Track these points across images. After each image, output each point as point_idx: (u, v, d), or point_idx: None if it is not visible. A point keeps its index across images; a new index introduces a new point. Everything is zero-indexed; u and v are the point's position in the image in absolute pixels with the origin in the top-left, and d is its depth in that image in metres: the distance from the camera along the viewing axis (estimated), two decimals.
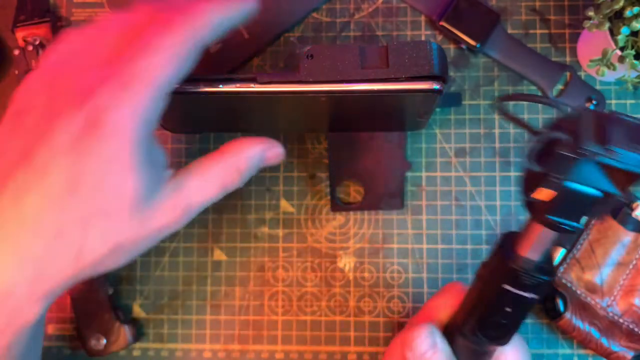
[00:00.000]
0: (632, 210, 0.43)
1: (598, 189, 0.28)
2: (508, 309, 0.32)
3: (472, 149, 0.46)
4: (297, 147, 0.47)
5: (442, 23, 0.45)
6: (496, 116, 0.46)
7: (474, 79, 0.46)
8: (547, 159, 0.28)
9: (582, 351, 0.44)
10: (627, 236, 0.43)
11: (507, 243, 0.32)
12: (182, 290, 0.46)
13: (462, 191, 0.46)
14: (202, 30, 0.31)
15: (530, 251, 0.31)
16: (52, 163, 0.28)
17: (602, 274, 0.43)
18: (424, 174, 0.46)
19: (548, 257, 0.31)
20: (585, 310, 0.43)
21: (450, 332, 0.35)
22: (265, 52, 0.47)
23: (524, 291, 0.31)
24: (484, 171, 0.46)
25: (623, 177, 0.28)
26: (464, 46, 0.46)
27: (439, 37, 0.46)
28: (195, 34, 0.31)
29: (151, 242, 0.31)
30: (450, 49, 0.46)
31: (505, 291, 0.31)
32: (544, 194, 0.28)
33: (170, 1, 0.32)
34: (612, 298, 0.43)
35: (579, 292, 0.43)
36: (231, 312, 0.46)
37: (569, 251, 0.44)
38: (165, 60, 0.30)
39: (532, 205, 0.30)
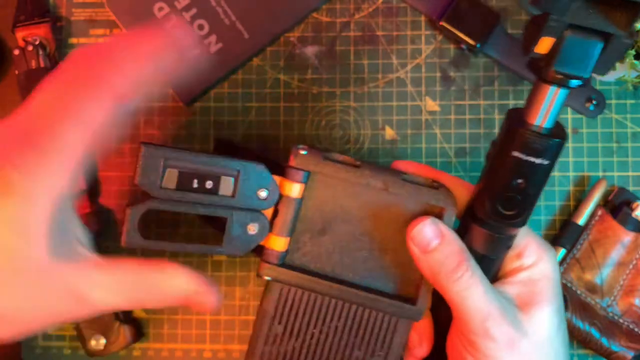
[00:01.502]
0: (632, 210, 0.43)
1: (598, 29, 0.26)
2: (520, 180, 0.30)
3: (472, 149, 0.46)
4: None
5: (442, 23, 0.45)
6: (496, 116, 0.46)
7: (474, 79, 0.46)
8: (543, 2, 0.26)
9: (582, 351, 0.44)
10: (627, 236, 0.43)
11: (515, 114, 0.30)
12: None
13: None
14: (126, 95, 0.29)
15: (539, 117, 0.29)
16: None
17: (602, 274, 0.43)
18: None
19: (557, 124, 0.30)
20: (585, 310, 0.43)
21: (464, 224, 0.34)
22: (265, 52, 0.47)
23: (535, 157, 0.29)
24: None
25: (622, 16, 0.26)
26: (464, 46, 0.46)
27: (439, 37, 0.46)
28: (117, 100, 0.29)
29: (38, 323, 0.29)
30: (450, 49, 0.46)
31: (516, 159, 0.29)
32: (545, 44, 0.27)
33: (92, 58, 0.30)
34: (612, 298, 0.43)
35: (579, 292, 0.43)
36: (231, 312, 0.46)
37: (569, 251, 0.44)
38: (85, 133, 0.28)
39: (536, 64, 0.29)
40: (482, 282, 0.32)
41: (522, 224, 0.32)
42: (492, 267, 0.34)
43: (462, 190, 0.35)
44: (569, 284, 0.43)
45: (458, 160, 0.46)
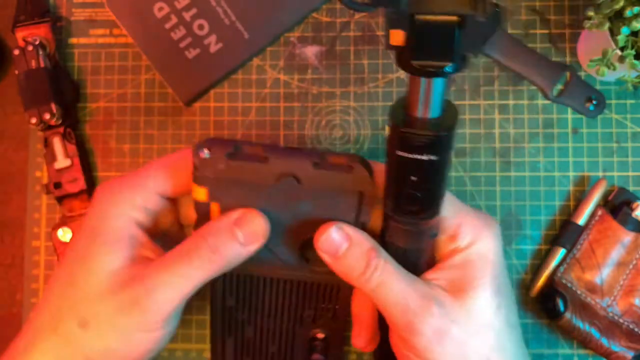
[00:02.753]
0: (632, 210, 0.43)
1: (444, 12, 0.24)
2: (413, 178, 0.28)
3: (472, 149, 0.46)
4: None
5: None
6: (496, 116, 0.46)
7: (474, 79, 0.46)
8: None
9: (582, 351, 0.44)
10: (627, 236, 0.43)
11: (396, 108, 0.28)
12: None
13: (462, 191, 0.46)
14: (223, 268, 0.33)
15: (418, 108, 0.27)
16: None
17: (602, 274, 0.43)
18: None
19: (446, 110, 0.28)
20: (585, 310, 0.43)
21: (384, 219, 0.33)
22: (265, 52, 0.47)
23: (419, 153, 0.27)
24: (484, 171, 0.46)
25: None
26: None
27: None
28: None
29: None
30: None
31: (402, 159, 0.28)
32: (397, 36, 0.25)
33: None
34: (612, 298, 0.43)
35: (579, 292, 0.43)
36: None
37: (569, 251, 0.44)
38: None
39: (399, 57, 0.26)
40: (397, 275, 0.32)
41: (432, 216, 0.30)
42: (418, 257, 0.33)
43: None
44: (569, 284, 0.43)
45: (458, 160, 0.46)
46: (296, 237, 0.34)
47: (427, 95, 0.27)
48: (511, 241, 0.45)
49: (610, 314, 0.43)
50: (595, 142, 0.45)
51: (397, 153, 0.28)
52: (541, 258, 0.45)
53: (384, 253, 0.32)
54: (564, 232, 0.44)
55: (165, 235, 0.36)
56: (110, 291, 0.32)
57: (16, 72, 0.45)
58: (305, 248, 0.34)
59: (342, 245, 0.32)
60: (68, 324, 0.32)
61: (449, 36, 0.24)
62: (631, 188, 0.45)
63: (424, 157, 0.27)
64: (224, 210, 0.33)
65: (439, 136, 0.27)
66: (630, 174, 0.45)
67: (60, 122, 0.45)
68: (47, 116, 0.44)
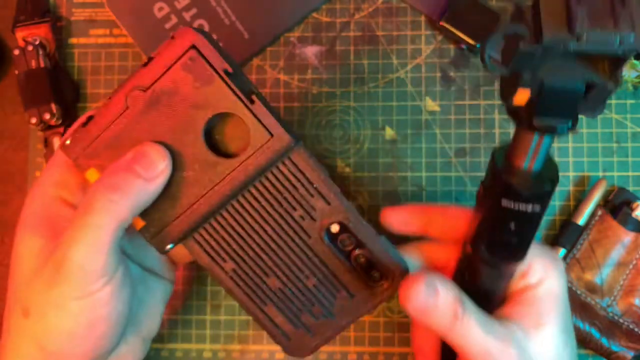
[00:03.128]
0: (632, 210, 0.43)
1: (575, 80, 0.25)
2: (512, 226, 0.29)
3: (472, 149, 0.46)
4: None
5: (442, 23, 0.45)
6: (496, 116, 0.46)
7: (474, 79, 0.46)
8: (509, 57, 0.25)
9: (582, 351, 0.44)
10: (627, 236, 0.43)
11: (500, 157, 0.29)
12: (182, 290, 0.46)
13: (462, 191, 0.46)
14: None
15: (525, 161, 0.28)
16: None
17: (602, 274, 0.43)
18: (424, 174, 0.46)
19: (547, 164, 0.29)
20: (585, 310, 0.43)
21: (465, 258, 0.33)
22: (265, 52, 0.47)
23: (525, 204, 0.28)
24: (484, 171, 0.46)
25: (605, 64, 0.25)
26: (464, 46, 0.46)
27: (439, 37, 0.46)
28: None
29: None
30: (450, 49, 0.46)
31: (506, 207, 0.28)
32: (522, 96, 0.26)
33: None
34: (612, 298, 0.43)
35: (579, 292, 0.43)
36: (231, 312, 0.46)
37: (569, 251, 0.44)
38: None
39: (515, 112, 0.27)
40: (479, 323, 0.32)
41: (521, 259, 0.31)
42: (495, 296, 0.34)
43: (462, 220, 0.34)
44: (569, 284, 0.43)
45: (458, 160, 0.46)
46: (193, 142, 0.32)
47: (537, 150, 0.28)
48: None
49: (610, 314, 0.43)
50: (595, 142, 0.45)
51: (503, 203, 0.28)
52: None
53: (467, 302, 0.32)
54: (564, 232, 0.44)
55: None
56: (37, 271, 0.31)
57: (16, 72, 0.45)
58: (211, 137, 0.32)
59: (430, 300, 0.31)
60: (14, 318, 0.31)
61: (574, 100, 0.25)
62: (631, 188, 0.45)
63: (529, 208, 0.28)
64: None
65: (548, 189, 0.28)
66: (630, 174, 0.45)
67: (60, 122, 0.45)
68: (47, 116, 0.44)
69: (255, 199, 0.33)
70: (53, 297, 0.30)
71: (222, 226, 0.33)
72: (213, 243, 0.33)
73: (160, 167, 0.31)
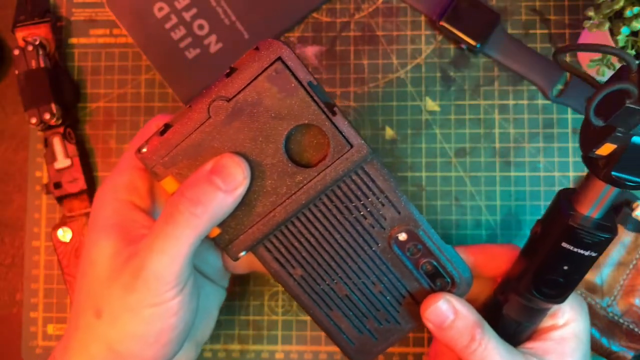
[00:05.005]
0: (632, 210, 0.43)
1: None
2: (566, 267, 0.31)
3: (472, 149, 0.46)
4: None
5: (442, 23, 0.45)
6: (496, 116, 0.46)
7: (474, 79, 0.46)
8: (609, 112, 0.26)
9: None
10: (627, 236, 0.43)
11: (565, 200, 0.31)
12: None
13: (462, 191, 0.46)
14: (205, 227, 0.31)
15: (590, 208, 0.29)
16: None
17: (602, 274, 0.43)
18: (424, 174, 0.46)
19: (609, 214, 0.30)
20: None
21: (503, 290, 0.35)
22: None
23: (584, 249, 0.30)
24: (484, 171, 0.46)
25: None
26: (464, 46, 0.46)
27: (439, 37, 0.46)
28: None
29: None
30: (450, 49, 0.46)
31: (564, 249, 0.30)
32: (607, 148, 0.27)
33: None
34: (612, 298, 0.43)
35: (579, 292, 0.43)
36: (231, 312, 0.46)
37: None
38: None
39: (591, 161, 0.29)
40: (498, 350, 0.33)
41: (562, 301, 0.33)
42: (527, 331, 0.35)
43: (506, 259, 0.35)
44: None
45: (458, 160, 0.46)
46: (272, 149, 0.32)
47: (604, 200, 0.29)
48: (511, 241, 0.45)
49: (610, 314, 0.43)
50: None
51: (563, 245, 0.30)
52: None
53: (487, 328, 0.34)
54: None
55: None
56: (114, 274, 0.31)
57: (16, 72, 0.45)
58: (289, 148, 0.32)
59: (448, 318, 0.33)
60: (86, 317, 0.32)
61: None
62: None
63: (586, 253, 0.30)
64: None
65: (608, 238, 0.30)
66: None
67: (60, 122, 0.45)
68: (47, 116, 0.44)
69: (327, 207, 0.33)
70: (128, 302, 0.31)
71: (292, 234, 0.34)
72: (283, 250, 0.34)
73: (239, 179, 0.31)
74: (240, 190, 0.31)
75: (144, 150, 0.31)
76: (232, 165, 0.31)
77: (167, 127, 0.31)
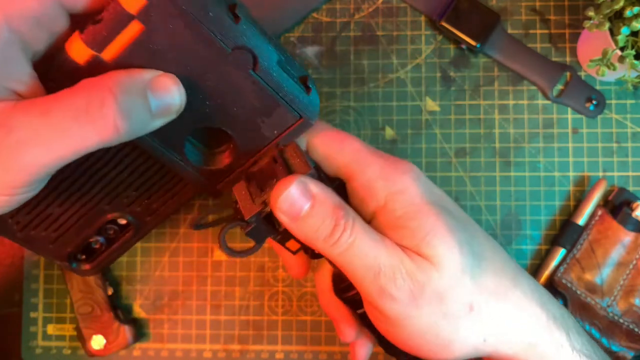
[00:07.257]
0: (632, 210, 0.43)
1: None
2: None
3: (472, 149, 0.46)
4: None
5: (442, 23, 0.45)
6: (496, 116, 0.46)
7: (474, 79, 0.46)
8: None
9: None
10: (627, 236, 0.43)
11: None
12: (182, 290, 0.46)
13: (462, 191, 0.46)
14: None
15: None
16: None
17: (602, 274, 0.43)
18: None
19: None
20: (585, 310, 0.43)
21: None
22: None
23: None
24: (484, 171, 0.46)
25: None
26: (464, 46, 0.46)
27: (439, 37, 0.46)
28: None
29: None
30: (450, 49, 0.46)
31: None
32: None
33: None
34: (612, 298, 0.43)
35: (579, 292, 0.43)
36: (231, 312, 0.46)
37: (569, 251, 0.44)
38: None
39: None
40: (366, 235, 0.28)
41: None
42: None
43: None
44: (569, 284, 0.43)
45: (458, 161, 0.46)
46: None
47: None
48: (511, 241, 0.45)
49: (610, 314, 0.43)
50: (595, 142, 0.45)
51: None
52: (541, 258, 0.45)
53: (351, 211, 0.28)
54: (564, 232, 0.44)
55: None
56: None
57: None
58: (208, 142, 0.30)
59: (304, 206, 0.27)
60: None
61: None
62: (631, 188, 0.45)
63: None
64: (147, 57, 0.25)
65: None
66: (630, 174, 0.45)
67: None
68: None
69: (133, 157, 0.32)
70: None
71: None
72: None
73: (170, 113, 0.27)
74: (162, 122, 0.26)
75: None
76: (173, 94, 0.26)
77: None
